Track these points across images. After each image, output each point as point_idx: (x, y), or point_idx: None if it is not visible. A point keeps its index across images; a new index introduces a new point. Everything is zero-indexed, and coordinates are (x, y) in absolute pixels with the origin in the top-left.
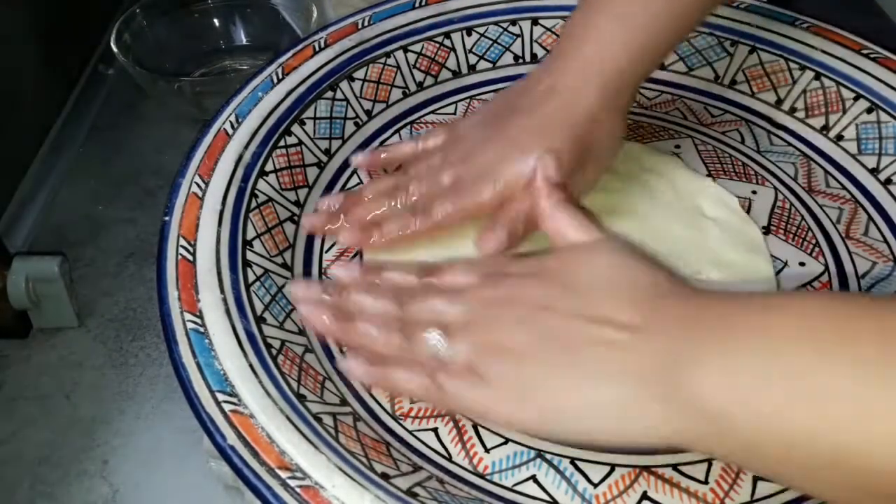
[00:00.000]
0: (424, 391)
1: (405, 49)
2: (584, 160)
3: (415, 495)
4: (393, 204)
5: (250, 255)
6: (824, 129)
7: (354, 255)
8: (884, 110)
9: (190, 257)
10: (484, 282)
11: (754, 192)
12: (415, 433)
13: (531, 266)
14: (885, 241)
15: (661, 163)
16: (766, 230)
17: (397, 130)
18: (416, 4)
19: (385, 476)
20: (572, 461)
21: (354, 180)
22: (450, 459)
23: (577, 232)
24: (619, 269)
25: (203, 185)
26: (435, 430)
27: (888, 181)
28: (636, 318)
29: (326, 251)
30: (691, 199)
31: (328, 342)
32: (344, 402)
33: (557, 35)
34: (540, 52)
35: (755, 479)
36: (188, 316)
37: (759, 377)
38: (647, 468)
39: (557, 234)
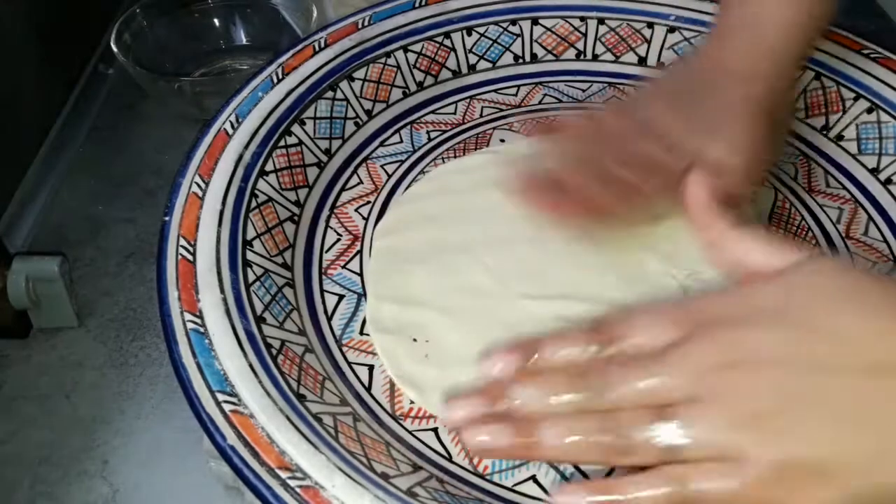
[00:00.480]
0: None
1: (405, 49)
2: (762, 157)
3: (415, 495)
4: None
5: (250, 255)
6: (824, 129)
7: (354, 256)
8: (884, 110)
9: (190, 257)
10: (697, 337)
11: (754, 192)
12: (415, 433)
13: (745, 306)
14: (885, 241)
15: None
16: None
17: (397, 130)
18: (417, 4)
19: (385, 476)
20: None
21: (354, 180)
22: (450, 459)
23: (768, 257)
24: (860, 293)
25: (203, 185)
26: (435, 430)
27: (888, 181)
28: None
29: (326, 251)
30: None
31: (327, 342)
32: (344, 402)
33: (557, 35)
34: (540, 52)
35: None
36: (188, 316)
37: None
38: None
39: (737, 264)
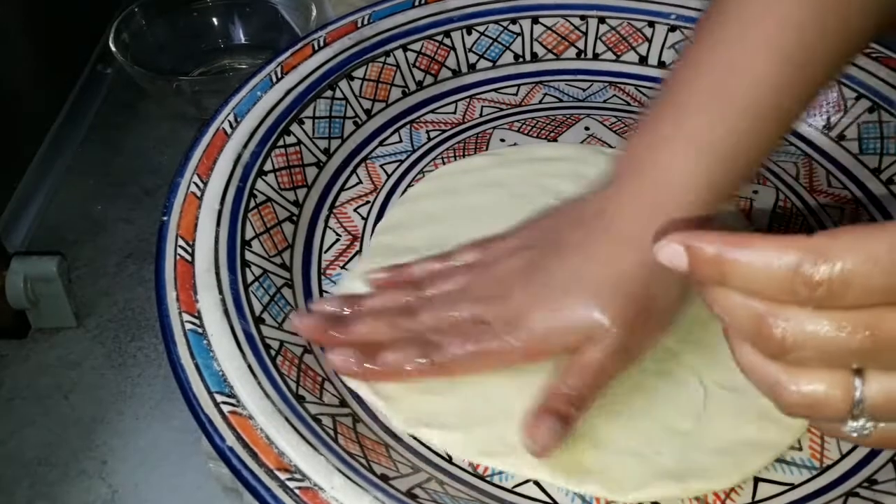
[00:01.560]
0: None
1: (405, 48)
2: (642, 325)
3: (414, 497)
4: (400, 327)
5: (249, 256)
6: (826, 129)
7: (353, 257)
8: (886, 110)
9: (188, 257)
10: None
11: (755, 192)
12: (414, 434)
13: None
14: None
15: None
16: (768, 230)
17: (397, 130)
18: (416, 3)
19: (384, 477)
20: None
21: (353, 180)
22: (449, 461)
23: None
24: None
25: (201, 185)
26: None
27: (890, 181)
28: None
29: (325, 251)
30: None
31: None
32: (343, 404)
33: (557, 34)
34: (540, 51)
35: (756, 481)
36: (186, 316)
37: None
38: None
39: None
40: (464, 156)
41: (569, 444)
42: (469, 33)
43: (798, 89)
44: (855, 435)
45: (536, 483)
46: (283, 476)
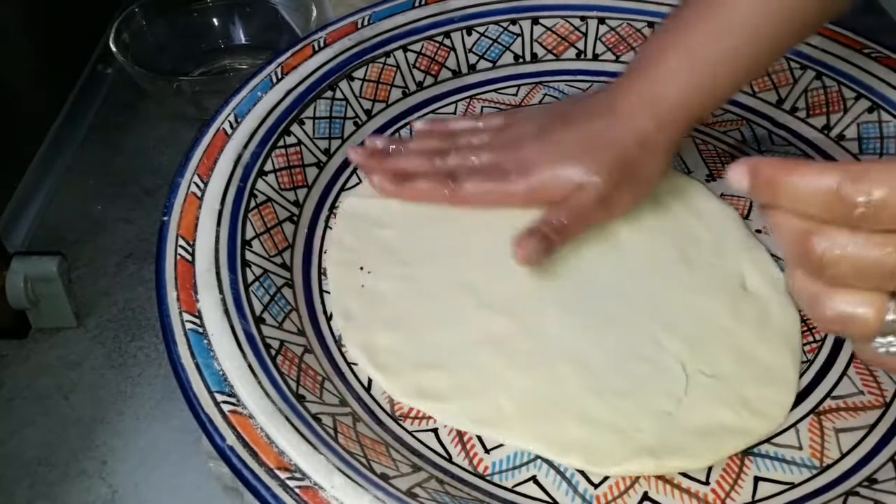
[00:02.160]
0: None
1: (405, 48)
2: (622, 183)
3: (414, 496)
4: (431, 163)
5: (249, 256)
6: (825, 129)
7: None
8: (885, 110)
9: (189, 257)
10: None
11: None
12: (414, 434)
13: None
14: None
15: (701, 199)
16: (768, 230)
17: (397, 130)
18: (416, 4)
19: (384, 477)
20: None
21: (354, 180)
22: (450, 460)
23: None
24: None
25: (202, 185)
26: (435, 430)
27: None
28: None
29: (325, 252)
30: (734, 260)
31: (326, 343)
32: (343, 403)
33: (557, 34)
34: (540, 52)
35: (756, 480)
36: (187, 316)
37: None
38: None
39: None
40: None
41: (557, 418)
42: (469, 34)
43: (786, 24)
44: (882, 350)
45: (536, 482)
46: (283, 475)
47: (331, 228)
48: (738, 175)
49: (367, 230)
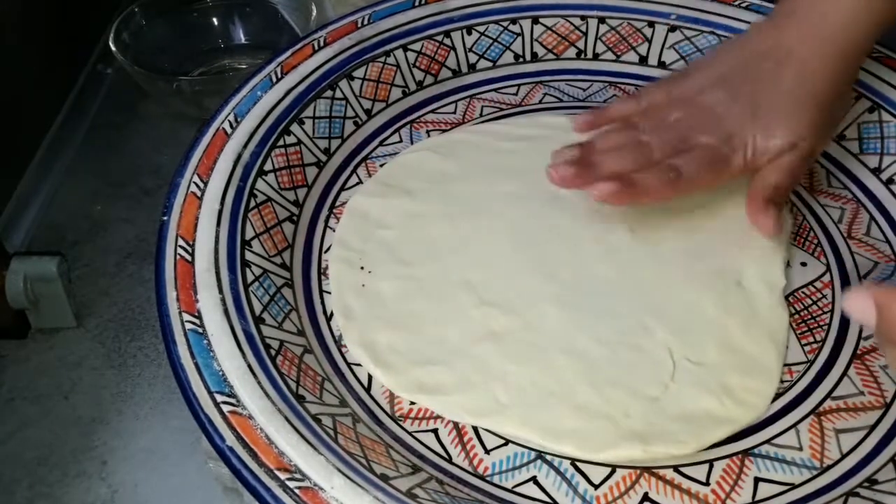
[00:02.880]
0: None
1: (405, 48)
2: (824, 135)
3: (414, 496)
4: (639, 159)
5: (249, 255)
6: None
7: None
8: (886, 110)
9: (188, 257)
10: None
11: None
12: (414, 434)
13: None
14: (887, 240)
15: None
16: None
17: (397, 130)
18: (416, 3)
19: (384, 477)
20: (573, 462)
21: (354, 180)
22: (450, 461)
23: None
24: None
25: (202, 185)
26: (435, 431)
27: (890, 181)
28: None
29: (325, 251)
30: (735, 258)
31: (326, 343)
32: (343, 404)
33: (558, 34)
34: (540, 51)
35: (756, 481)
36: (187, 316)
37: None
38: (648, 469)
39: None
40: None
41: (551, 408)
42: (469, 33)
43: None
44: None
45: (536, 483)
46: (283, 476)
47: (331, 228)
48: (860, 308)
49: (369, 230)
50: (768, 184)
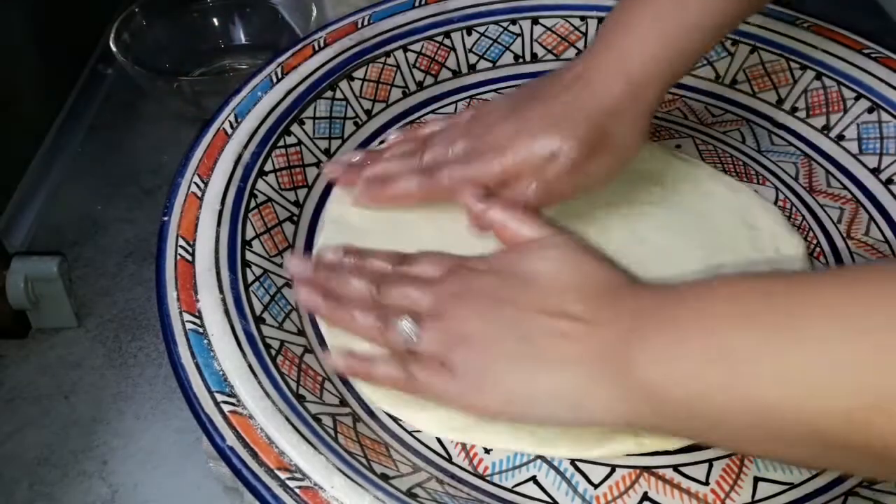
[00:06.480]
0: (399, 383)
1: (405, 48)
2: (597, 151)
3: (414, 496)
4: (409, 163)
5: (249, 256)
6: (825, 129)
7: None
8: (885, 110)
9: (189, 257)
10: (450, 275)
11: (756, 192)
12: (414, 434)
13: (490, 262)
14: (886, 241)
15: (710, 184)
16: None
17: (397, 130)
18: (416, 4)
19: (384, 477)
20: (573, 462)
21: None
22: (450, 460)
23: (527, 230)
24: (571, 264)
25: (202, 185)
26: None
27: (889, 181)
28: (588, 311)
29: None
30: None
31: (326, 343)
32: (343, 403)
33: (557, 34)
34: (540, 52)
35: (756, 480)
36: (187, 316)
37: (694, 358)
38: (647, 469)
39: (507, 233)
40: None
41: None
42: (469, 34)
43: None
44: None
45: (536, 482)
46: (283, 475)
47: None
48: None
49: (352, 238)
50: (520, 186)
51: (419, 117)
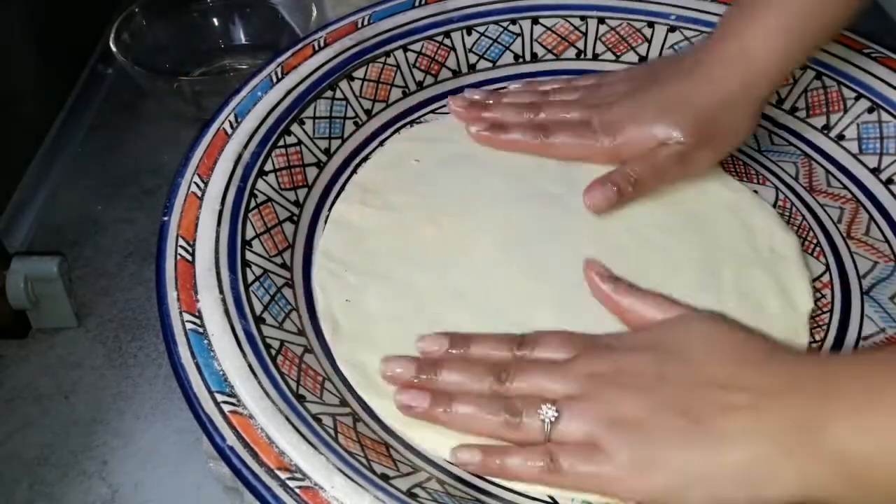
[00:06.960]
0: (540, 473)
1: (405, 48)
2: (704, 142)
3: (414, 496)
4: (524, 116)
5: (249, 256)
6: (825, 129)
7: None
8: (885, 110)
9: (189, 257)
10: (585, 355)
11: (755, 192)
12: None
13: (628, 339)
14: (887, 240)
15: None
16: None
17: (397, 130)
18: (416, 3)
19: (385, 477)
20: None
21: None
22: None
23: (657, 311)
24: (722, 335)
25: (202, 185)
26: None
27: (889, 181)
28: (757, 380)
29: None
30: (753, 278)
31: (327, 343)
32: (343, 403)
33: (557, 34)
34: (540, 51)
35: None
36: (187, 316)
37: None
38: None
39: (634, 316)
40: None
41: None
42: (469, 34)
43: None
44: None
45: None
46: (283, 475)
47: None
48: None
49: (354, 239)
50: (626, 168)
51: (419, 117)
